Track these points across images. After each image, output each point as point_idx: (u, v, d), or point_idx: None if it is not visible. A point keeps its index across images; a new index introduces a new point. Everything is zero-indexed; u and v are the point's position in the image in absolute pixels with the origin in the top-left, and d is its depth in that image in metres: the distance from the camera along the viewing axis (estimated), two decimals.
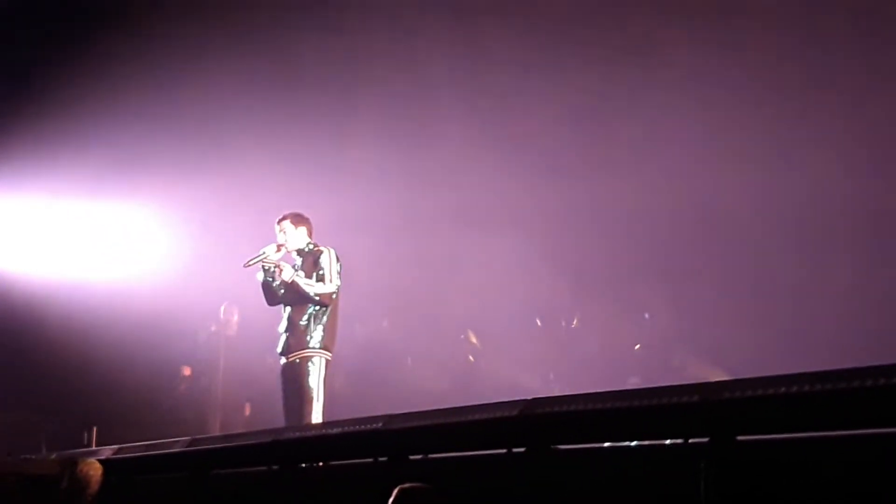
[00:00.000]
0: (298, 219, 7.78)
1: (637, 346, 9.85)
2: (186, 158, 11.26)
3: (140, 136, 11.48)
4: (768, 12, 9.31)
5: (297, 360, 7.55)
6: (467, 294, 10.49)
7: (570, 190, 10.27)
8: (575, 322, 10.20)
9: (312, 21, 11.39)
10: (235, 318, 10.69)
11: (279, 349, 7.66)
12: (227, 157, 11.29)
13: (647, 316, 9.96)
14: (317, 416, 7.43)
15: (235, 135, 11.29)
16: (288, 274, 7.55)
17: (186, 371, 11.14)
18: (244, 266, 7.69)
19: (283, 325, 7.68)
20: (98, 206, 11.92)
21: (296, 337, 7.57)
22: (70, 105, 11.35)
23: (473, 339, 10.52)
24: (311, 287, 7.53)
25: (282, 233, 7.73)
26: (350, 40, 11.31)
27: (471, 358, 10.45)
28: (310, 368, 7.51)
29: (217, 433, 9.77)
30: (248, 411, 10.67)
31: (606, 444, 4.72)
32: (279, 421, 7.66)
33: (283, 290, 7.68)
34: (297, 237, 7.73)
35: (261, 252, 7.67)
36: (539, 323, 10.53)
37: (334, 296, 7.60)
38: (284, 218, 7.78)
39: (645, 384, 8.64)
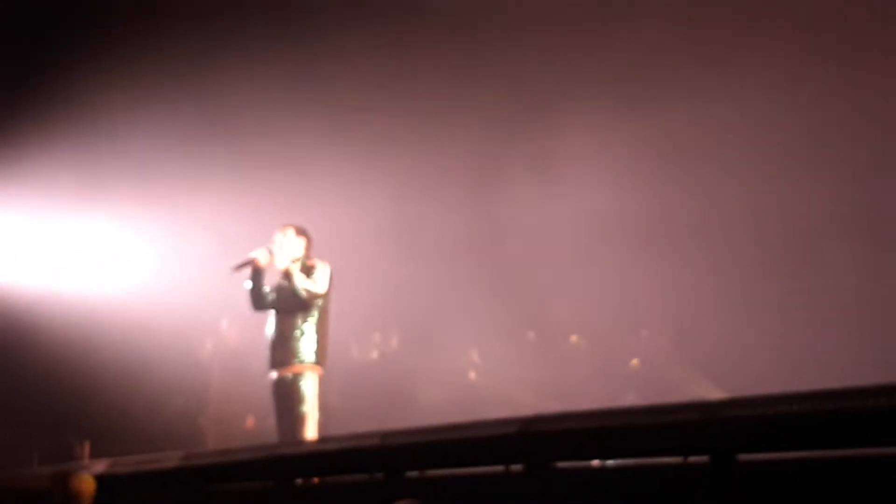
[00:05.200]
0: (302, 231, 7.78)
1: (634, 361, 9.81)
2: (191, 168, 11.20)
3: (140, 143, 11.42)
4: None
5: (290, 376, 7.48)
6: (466, 311, 10.45)
7: (571, 204, 10.25)
8: (575, 339, 10.16)
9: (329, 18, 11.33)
10: (235, 331, 10.63)
11: (269, 362, 7.60)
12: (234, 166, 11.23)
13: (644, 333, 9.92)
14: (312, 433, 7.37)
15: (241, 143, 11.26)
16: (283, 261, 7.51)
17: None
18: (231, 270, 7.64)
19: (273, 335, 7.60)
20: (92, 217, 11.84)
21: (287, 350, 7.47)
22: (66, 112, 11.29)
23: (476, 358, 10.48)
24: (303, 281, 7.48)
25: (281, 240, 7.70)
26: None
27: (472, 375, 10.41)
28: (303, 385, 7.44)
29: (212, 448, 9.70)
30: (250, 424, 10.56)
31: (605, 462, 4.69)
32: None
33: (273, 295, 7.61)
34: (294, 246, 7.70)
35: (249, 257, 7.63)
36: (532, 336, 10.50)
37: (320, 300, 7.52)
38: (289, 226, 7.77)
39: (641, 401, 8.61)
